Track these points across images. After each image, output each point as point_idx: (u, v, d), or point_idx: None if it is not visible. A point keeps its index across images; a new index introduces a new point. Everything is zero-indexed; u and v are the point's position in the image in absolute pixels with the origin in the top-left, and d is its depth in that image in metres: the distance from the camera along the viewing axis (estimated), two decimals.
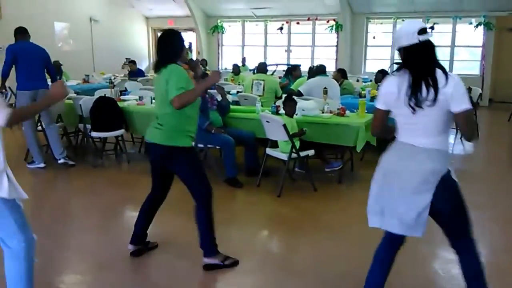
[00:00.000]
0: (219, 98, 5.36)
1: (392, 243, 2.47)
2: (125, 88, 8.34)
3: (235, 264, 3.17)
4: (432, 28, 12.48)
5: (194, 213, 3.14)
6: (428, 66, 2.17)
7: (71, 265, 3.33)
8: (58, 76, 8.69)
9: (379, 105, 2.35)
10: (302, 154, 4.77)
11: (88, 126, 5.89)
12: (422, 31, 2.18)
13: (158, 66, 3.01)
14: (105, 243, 3.64)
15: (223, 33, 16.09)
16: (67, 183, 5.41)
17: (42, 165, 5.70)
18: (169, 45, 3.03)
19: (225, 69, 14.77)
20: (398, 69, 2.27)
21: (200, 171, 3.17)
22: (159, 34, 18.36)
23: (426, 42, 2.19)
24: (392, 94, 2.23)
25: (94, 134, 5.85)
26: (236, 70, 11.18)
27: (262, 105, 5.72)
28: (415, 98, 2.15)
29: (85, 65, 12.51)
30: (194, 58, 13.62)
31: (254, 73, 8.10)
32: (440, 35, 12.61)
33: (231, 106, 5.57)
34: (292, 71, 8.09)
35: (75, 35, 13.22)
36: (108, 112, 5.82)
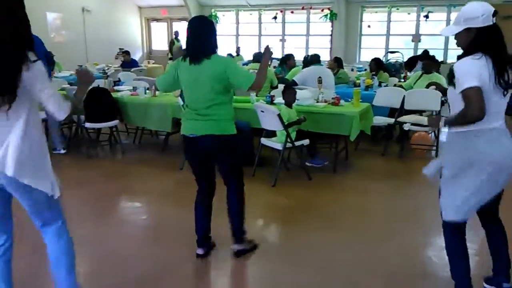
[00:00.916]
0: None
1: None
2: (119, 78, 8.28)
3: (256, 248, 3.27)
4: (426, 16, 12.47)
5: (229, 201, 3.16)
6: (506, 49, 2.21)
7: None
8: (51, 67, 8.63)
9: (476, 82, 2.11)
10: (297, 143, 4.77)
11: (82, 117, 5.85)
12: (495, 13, 2.19)
13: (200, 56, 2.89)
14: (101, 234, 3.64)
15: (217, 22, 15.98)
16: (61, 174, 5.38)
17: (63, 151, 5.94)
18: (211, 35, 2.98)
19: None
20: (468, 52, 2.21)
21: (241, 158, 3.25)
22: (152, 24, 18.05)
23: (497, 25, 2.23)
24: (485, 74, 2.15)
25: (88, 125, 5.82)
26: None
27: (256, 95, 5.71)
28: (504, 81, 2.16)
29: (78, 56, 12.41)
30: (184, 47, 13.49)
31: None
32: (434, 24, 12.59)
33: None
34: (286, 60, 8.07)
35: (68, 25, 13.10)
36: (102, 102, 5.79)
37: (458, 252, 2.45)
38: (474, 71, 2.14)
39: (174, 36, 14.42)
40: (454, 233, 2.43)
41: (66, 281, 2.34)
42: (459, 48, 2.33)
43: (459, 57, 2.28)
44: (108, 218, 4.04)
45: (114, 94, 6.02)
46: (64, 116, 2.11)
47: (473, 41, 2.22)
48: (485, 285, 2.66)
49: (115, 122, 5.91)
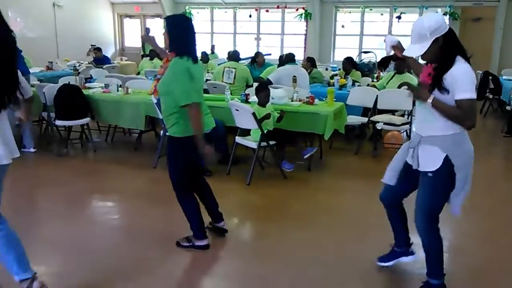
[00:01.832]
0: None
1: None
2: (90, 75, 8.12)
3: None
4: (399, 17, 12.68)
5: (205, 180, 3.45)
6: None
7: (37, 256, 3.22)
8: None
9: (475, 94, 2.27)
10: (271, 143, 4.77)
11: (52, 115, 5.72)
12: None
13: (195, 58, 3.03)
14: (72, 233, 3.56)
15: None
16: (31, 173, 5.24)
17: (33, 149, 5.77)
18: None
19: None
20: (447, 60, 2.29)
21: None
22: (125, 20, 17.76)
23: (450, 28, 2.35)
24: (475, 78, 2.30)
25: (58, 122, 5.68)
26: (205, 58, 11.06)
27: (232, 93, 5.69)
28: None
29: (49, 52, 12.12)
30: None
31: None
32: (407, 25, 12.80)
33: None
34: (255, 58, 8.09)
35: (38, 21, 12.76)
36: (72, 100, 5.66)
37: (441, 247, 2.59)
38: (473, 81, 2.27)
39: (146, 33, 14.17)
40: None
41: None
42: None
43: (439, 69, 2.32)
44: (79, 217, 3.95)
45: (85, 91, 5.90)
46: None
47: (444, 48, 2.30)
48: (381, 263, 2.98)
49: (87, 119, 5.79)
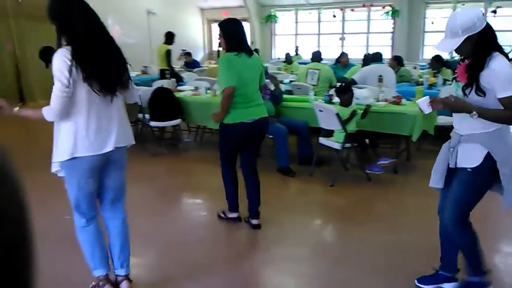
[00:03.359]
0: (272, 87, 5.39)
1: None
2: (182, 78, 8.57)
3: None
4: (494, 11, 11.85)
5: (253, 180, 3.63)
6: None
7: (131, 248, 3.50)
8: None
9: None
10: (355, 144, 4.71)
11: (147, 116, 6.12)
12: (483, 14, 2.24)
13: (250, 50, 3.48)
14: (162, 227, 3.79)
15: (276, 22, 16.06)
16: (126, 171, 5.65)
17: None
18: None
19: (278, 58, 14.76)
20: (482, 56, 2.23)
21: None
22: (212, 25, 18.36)
23: (489, 24, 2.27)
24: None
25: (152, 123, 6.07)
26: (289, 59, 11.16)
27: (315, 94, 5.70)
28: None
29: (143, 57, 12.91)
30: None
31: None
32: (503, 19, 11.93)
33: (284, 96, 5.59)
34: (340, 58, 8.06)
35: (134, 27, 13.66)
36: (165, 102, 6.02)
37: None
38: None
39: None
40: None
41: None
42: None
43: (472, 66, 2.26)
44: (169, 212, 4.20)
45: (177, 94, 6.24)
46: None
47: (477, 46, 2.23)
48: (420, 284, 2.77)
49: (178, 121, 6.12)
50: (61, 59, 2.21)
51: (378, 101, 5.18)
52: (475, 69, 2.23)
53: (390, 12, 13.43)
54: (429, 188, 4.63)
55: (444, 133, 6.48)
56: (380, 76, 5.69)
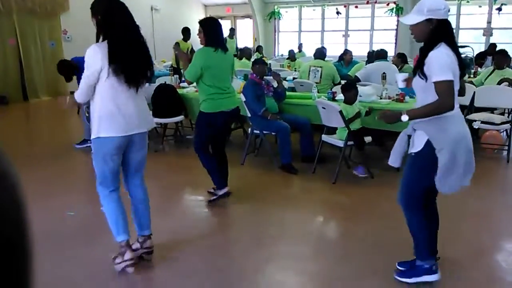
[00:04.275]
0: (275, 84, 5.39)
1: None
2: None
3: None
4: (499, 9, 11.77)
5: (226, 159, 4.20)
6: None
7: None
8: None
9: (451, 76, 2.32)
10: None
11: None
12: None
13: (225, 46, 3.86)
14: (165, 224, 3.80)
15: (279, 19, 16.03)
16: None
17: None
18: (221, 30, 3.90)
19: (281, 55, 14.73)
20: (430, 43, 2.38)
21: None
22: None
23: (449, 21, 2.44)
24: (455, 66, 2.36)
25: (155, 119, 6.06)
26: (292, 56, 11.13)
27: (318, 92, 5.69)
28: (462, 73, 2.44)
29: None
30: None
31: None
32: (508, 17, 11.85)
33: (287, 93, 5.58)
34: (343, 56, 8.06)
35: (138, 24, 13.63)
36: (168, 98, 6.02)
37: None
38: (450, 64, 2.32)
39: (229, 33, 13.52)
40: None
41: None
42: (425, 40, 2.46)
43: (422, 50, 2.43)
44: (172, 209, 4.21)
45: (179, 91, 6.24)
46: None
47: (433, 31, 2.37)
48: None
49: (181, 117, 6.12)
50: (95, 51, 2.61)
51: (381, 98, 5.17)
52: (422, 53, 2.41)
53: (394, 9, 13.38)
54: None
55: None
56: (384, 73, 5.67)
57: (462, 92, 2.62)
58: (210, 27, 3.81)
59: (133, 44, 2.76)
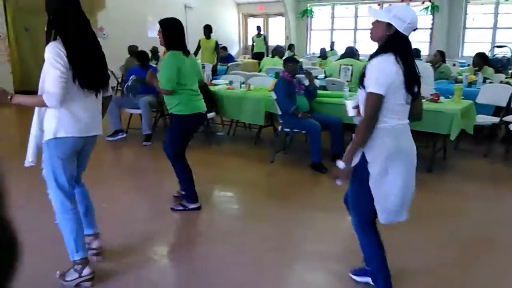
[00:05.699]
0: (307, 83, 5.37)
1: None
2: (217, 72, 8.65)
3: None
4: None
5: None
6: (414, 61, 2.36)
7: (163, 238, 3.57)
8: (156, 61, 9.24)
9: (383, 91, 2.19)
10: None
11: None
12: (415, 29, 2.38)
13: (187, 49, 3.76)
14: (194, 219, 3.85)
15: (312, 17, 15.93)
16: (159, 163, 5.76)
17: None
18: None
19: (313, 53, 14.64)
20: (381, 50, 2.26)
21: None
22: (249, 20, 18.35)
23: (409, 39, 2.36)
24: (396, 78, 2.20)
25: None
26: (323, 54, 11.05)
27: (350, 90, 5.63)
28: (412, 92, 2.28)
29: None
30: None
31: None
32: None
33: (318, 91, 5.55)
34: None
35: None
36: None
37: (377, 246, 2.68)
38: (387, 76, 2.19)
39: (257, 32, 13.60)
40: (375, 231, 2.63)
41: None
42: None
43: (372, 57, 2.28)
44: (203, 204, 4.25)
45: (211, 87, 6.29)
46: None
47: (388, 39, 2.24)
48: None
49: (212, 114, 6.18)
50: (56, 50, 2.43)
51: None
52: (369, 59, 2.30)
53: (430, 8, 13.10)
54: (466, 190, 4.54)
55: (483, 132, 6.35)
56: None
57: (417, 116, 2.50)
58: (170, 28, 3.72)
59: (90, 48, 2.63)
